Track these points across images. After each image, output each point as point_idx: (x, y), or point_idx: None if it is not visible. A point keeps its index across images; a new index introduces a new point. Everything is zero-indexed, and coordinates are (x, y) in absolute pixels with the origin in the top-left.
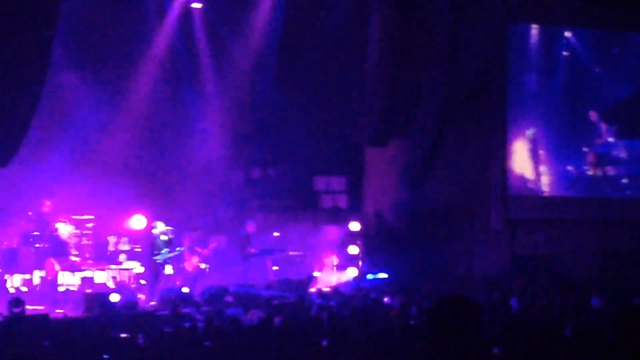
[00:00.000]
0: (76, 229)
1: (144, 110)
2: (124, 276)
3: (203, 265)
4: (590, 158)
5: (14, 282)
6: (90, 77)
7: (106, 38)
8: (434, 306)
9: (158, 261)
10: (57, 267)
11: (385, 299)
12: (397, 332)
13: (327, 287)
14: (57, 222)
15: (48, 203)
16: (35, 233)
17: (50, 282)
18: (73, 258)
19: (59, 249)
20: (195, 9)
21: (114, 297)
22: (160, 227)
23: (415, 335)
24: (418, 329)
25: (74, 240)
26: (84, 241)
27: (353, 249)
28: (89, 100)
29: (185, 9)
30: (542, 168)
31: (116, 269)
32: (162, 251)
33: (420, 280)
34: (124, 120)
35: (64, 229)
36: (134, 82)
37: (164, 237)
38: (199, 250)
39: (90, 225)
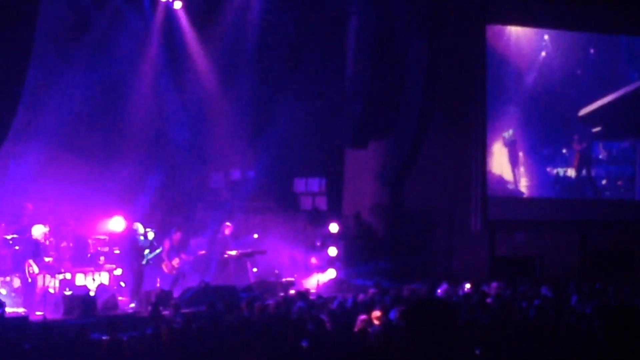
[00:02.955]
0: (51, 230)
1: (124, 112)
2: (104, 278)
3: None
4: (576, 161)
5: None
6: (67, 77)
7: (86, 39)
8: (411, 308)
9: (142, 263)
10: (35, 268)
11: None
12: (377, 334)
13: (306, 289)
14: (35, 224)
15: (29, 206)
16: (14, 236)
17: (29, 284)
18: (47, 259)
19: (35, 250)
20: (177, 9)
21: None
22: (139, 229)
23: (395, 335)
24: (398, 329)
25: (49, 242)
26: (64, 243)
27: (332, 251)
28: (68, 103)
29: (166, 10)
30: (522, 169)
31: (96, 271)
32: (144, 253)
33: (399, 281)
34: (104, 122)
35: (38, 230)
36: (114, 83)
37: (143, 239)
38: (184, 256)
39: (69, 227)
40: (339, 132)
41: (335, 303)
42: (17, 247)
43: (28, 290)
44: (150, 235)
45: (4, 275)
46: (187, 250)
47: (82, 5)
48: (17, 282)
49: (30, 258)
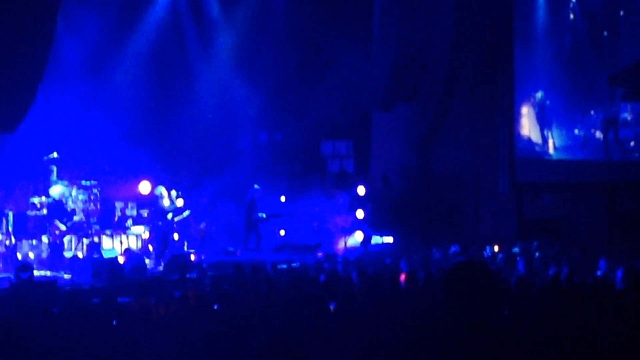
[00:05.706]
0: (77, 189)
1: (151, 75)
2: (132, 242)
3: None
4: (604, 123)
5: (23, 247)
6: (96, 37)
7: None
8: (451, 271)
9: (168, 227)
10: (62, 227)
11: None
12: (406, 297)
13: (334, 251)
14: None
15: (55, 168)
16: (42, 198)
17: (56, 247)
18: (76, 218)
19: (60, 210)
20: None
21: (120, 260)
22: (163, 192)
23: (423, 299)
24: (426, 293)
25: (72, 201)
26: (91, 206)
27: (360, 213)
28: (95, 62)
29: None
30: (550, 131)
31: (123, 234)
32: (168, 216)
33: (426, 244)
34: (132, 85)
35: (56, 190)
36: (141, 43)
37: (169, 203)
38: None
39: (96, 190)
40: (366, 94)
41: (363, 265)
42: (45, 211)
43: (55, 253)
44: (179, 201)
45: (32, 238)
46: (215, 213)
47: None
48: (44, 245)
49: (55, 219)
